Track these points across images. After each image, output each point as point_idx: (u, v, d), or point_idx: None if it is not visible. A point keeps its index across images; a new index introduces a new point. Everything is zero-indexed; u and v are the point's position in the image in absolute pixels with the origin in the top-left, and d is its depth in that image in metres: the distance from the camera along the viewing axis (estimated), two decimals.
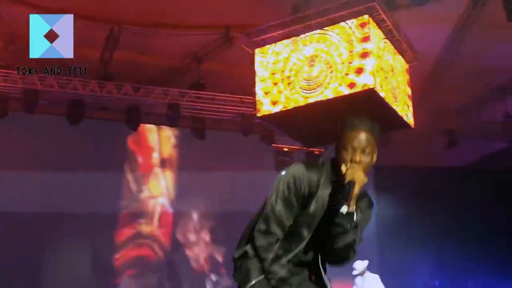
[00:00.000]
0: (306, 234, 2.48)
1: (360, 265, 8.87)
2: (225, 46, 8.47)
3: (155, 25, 8.13)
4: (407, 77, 7.88)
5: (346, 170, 2.38)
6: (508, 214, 11.14)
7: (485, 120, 10.73)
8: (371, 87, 6.50)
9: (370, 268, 9.29)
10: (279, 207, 2.43)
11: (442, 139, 10.74)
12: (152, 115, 9.71)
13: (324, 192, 2.47)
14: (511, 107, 10.17)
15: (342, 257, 2.47)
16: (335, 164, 2.50)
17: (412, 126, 7.90)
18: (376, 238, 11.86)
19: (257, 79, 7.26)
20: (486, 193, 11.24)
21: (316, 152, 10.81)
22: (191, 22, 8.13)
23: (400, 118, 7.51)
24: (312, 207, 2.47)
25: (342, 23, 6.73)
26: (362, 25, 6.61)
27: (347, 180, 2.33)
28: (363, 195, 2.52)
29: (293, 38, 7.05)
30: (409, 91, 7.86)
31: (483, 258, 10.77)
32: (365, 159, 2.43)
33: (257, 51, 7.28)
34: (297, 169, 2.50)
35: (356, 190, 2.34)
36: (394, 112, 7.26)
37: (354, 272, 8.83)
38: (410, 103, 7.84)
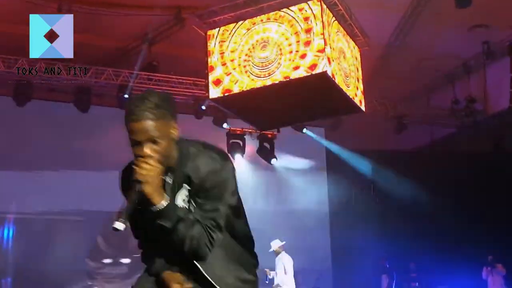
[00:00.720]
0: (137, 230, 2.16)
1: (274, 244, 8.94)
2: (177, 28, 8.35)
3: (105, 4, 7.94)
4: (359, 62, 7.97)
5: (135, 167, 1.96)
6: (456, 197, 11.45)
7: (434, 105, 10.97)
8: (323, 70, 6.54)
9: (322, 249, 9.35)
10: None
11: (392, 124, 10.93)
12: (103, 96, 9.52)
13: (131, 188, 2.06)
14: (460, 93, 10.41)
15: (189, 256, 2.05)
16: None
17: (363, 111, 8.01)
18: (328, 219, 12.04)
19: (209, 61, 7.20)
20: (435, 177, 11.50)
21: (269, 135, 10.86)
22: (143, 2, 7.98)
23: (352, 102, 7.60)
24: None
25: (292, 7, 6.74)
26: (312, 10, 6.62)
27: (133, 180, 1.95)
28: (194, 158, 2.08)
29: (245, 20, 7.01)
30: (360, 75, 7.96)
31: (425, 240, 11.05)
32: (157, 148, 1.98)
33: (209, 33, 7.22)
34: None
35: (148, 189, 1.94)
36: (346, 96, 7.34)
37: (270, 250, 8.88)
38: (361, 88, 7.94)
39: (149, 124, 1.96)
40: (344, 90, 7.19)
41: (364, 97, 7.99)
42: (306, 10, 6.68)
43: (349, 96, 7.41)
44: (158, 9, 8.01)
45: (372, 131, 10.96)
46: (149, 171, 1.95)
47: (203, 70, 7.45)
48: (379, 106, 10.32)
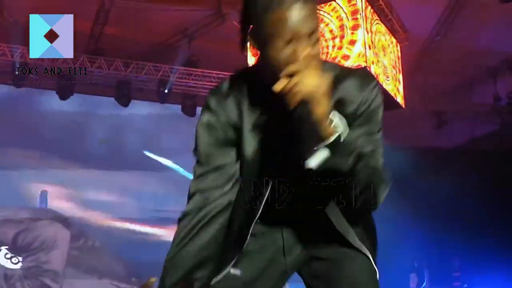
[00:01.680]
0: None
1: None
2: (217, 23, 8.40)
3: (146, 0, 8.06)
4: (399, 57, 7.90)
5: (285, 85, 1.33)
6: (497, 196, 11.22)
7: (475, 101, 10.77)
8: (363, 65, 6.52)
9: None
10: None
11: (431, 120, 10.78)
12: (143, 91, 9.67)
13: (255, 120, 1.52)
14: (501, 89, 10.20)
15: (361, 208, 1.57)
16: (260, 78, 1.51)
17: (403, 106, 7.94)
18: None
19: (250, 56, 7.23)
20: (475, 175, 11.31)
21: None
22: None
23: (391, 98, 7.55)
24: (246, 148, 1.55)
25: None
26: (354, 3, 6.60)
27: (293, 107, 1.33)
28: (341, 78, 1.51)
29: None
30: (400, 71, 7.89)
31: (464, 239, 10.86)
32: (313, 50, 1.37)
33: (251, 27, 7.24)
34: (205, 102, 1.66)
35: (321, 110, 1.32)
36: (385, 92, 7.29)
37: None
38: (400, 83, 7.88)
39: (310, 6, 1.36)
40: (383, 85, 7.15)
41: (404, 93, 7.93)
42: (337, 7, 6.65)
43: (388, 92, 7.37)
44: (199, 4, 8.08)
45: (411, 127, 10.83)
46: (317, 84, 1.30)
47: (243, 65, 7.47)
48: (418, 101, 10.19)
